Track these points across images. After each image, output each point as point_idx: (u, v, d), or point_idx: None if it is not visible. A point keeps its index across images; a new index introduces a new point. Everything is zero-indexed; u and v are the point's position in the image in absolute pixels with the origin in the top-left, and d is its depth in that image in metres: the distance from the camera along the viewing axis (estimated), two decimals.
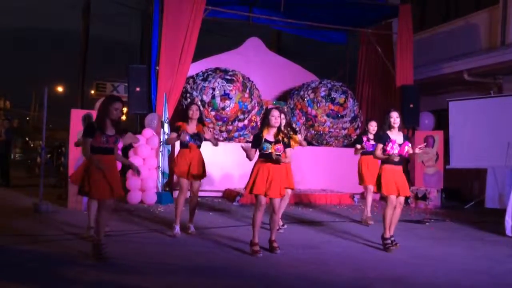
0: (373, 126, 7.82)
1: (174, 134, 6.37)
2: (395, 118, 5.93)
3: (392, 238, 5.89)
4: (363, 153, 7.84)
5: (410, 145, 5.96)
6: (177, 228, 6.27)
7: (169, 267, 4.82)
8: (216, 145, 6.52)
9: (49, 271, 4.49)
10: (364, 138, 7.84)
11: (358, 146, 7.84)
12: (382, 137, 5.98)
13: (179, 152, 6.43)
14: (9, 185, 11.92)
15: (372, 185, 7.58)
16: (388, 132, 5.95)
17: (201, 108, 10.44)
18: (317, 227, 7.39)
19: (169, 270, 4.72)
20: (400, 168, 5.98)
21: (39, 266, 4.65)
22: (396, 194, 5.86)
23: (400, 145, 5.85)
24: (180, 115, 8.77)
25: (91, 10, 17.19)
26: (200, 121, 6.43)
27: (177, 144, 7.36)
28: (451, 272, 5.02)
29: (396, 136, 5.92)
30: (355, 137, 10.83)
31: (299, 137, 7.06)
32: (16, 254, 5.08)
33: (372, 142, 7.72)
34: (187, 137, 6.20)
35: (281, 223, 6.86)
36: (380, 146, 5.91)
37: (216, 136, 10.87)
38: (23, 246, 5.36)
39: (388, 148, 5.82)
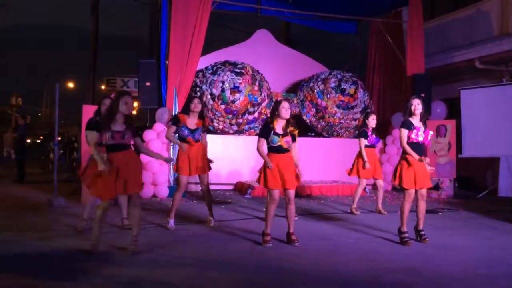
0: (374, 120, 7.83)
1: (173, 128, 6.38)
2: (415, 104, 5.70)
3: (422, 232, 5.80)
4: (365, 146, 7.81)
5: (431, 132, 5.78)
6: (171, 222, 6.33)
7: (181, 260, 4.86)
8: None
9: (65, 265, 4.55)
10: (369, 132, 7.77)
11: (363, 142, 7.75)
12: (406, 123, 5.70)
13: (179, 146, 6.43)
14: (23, 181, 12.08)
15: (364, 178, 7.84)
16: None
17: (211, 101, 10.51)
18: (329, 219, 7.40)
19: (182, 263, 4.76)
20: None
21: (54, 260, 4.72)
22: (415, 188, 5.67)
23: (424, 132, 5.68)
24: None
25: (100, 6, 17.28)
26: (201, 116, 6.44)
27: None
28: (465, 261, 5.00)
29: (417, 124, 5.72)
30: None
31: None
32: (32, 248, 5.14)
33: (373, 135, 7.79)
34: (185, 132, 6.26)
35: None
36: (405, 132, 5.65)
37: (226, 129, 10.90)
38: (38, 241, 5.43)
39: (413, 135, 5.64)
